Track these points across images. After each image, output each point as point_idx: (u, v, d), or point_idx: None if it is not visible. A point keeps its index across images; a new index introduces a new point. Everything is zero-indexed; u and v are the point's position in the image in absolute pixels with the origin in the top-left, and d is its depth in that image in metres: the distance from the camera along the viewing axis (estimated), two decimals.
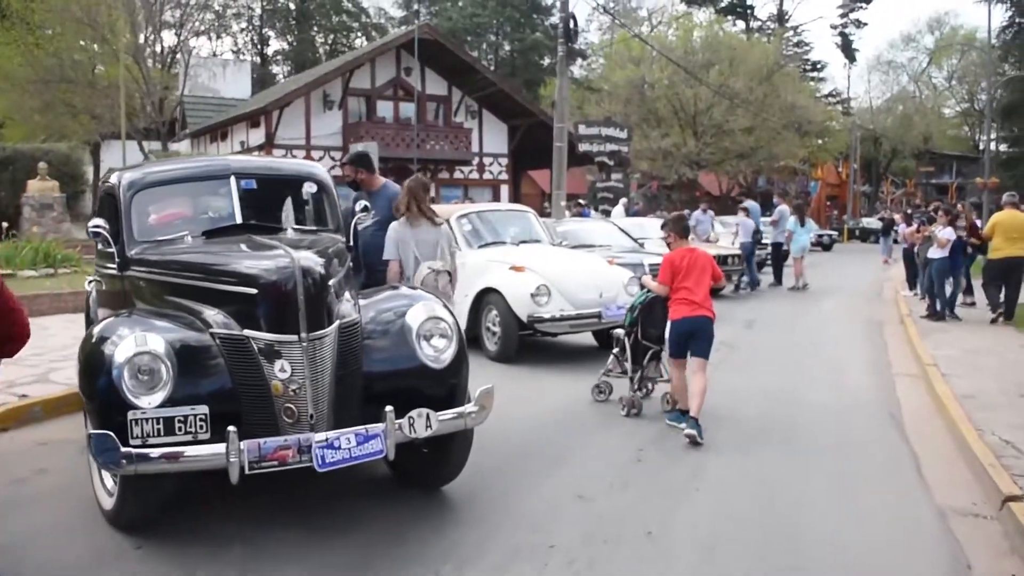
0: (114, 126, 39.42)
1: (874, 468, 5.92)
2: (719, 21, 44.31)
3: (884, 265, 25.32)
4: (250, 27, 63.27)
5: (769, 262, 19.92)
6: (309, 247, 4.47)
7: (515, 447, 6.15)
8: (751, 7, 59.33)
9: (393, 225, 6.55)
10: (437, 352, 4.43)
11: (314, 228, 5.76)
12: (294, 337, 4.04)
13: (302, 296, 4.02)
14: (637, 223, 18.47)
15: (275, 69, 64.68)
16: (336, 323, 4.24)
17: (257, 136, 30.93)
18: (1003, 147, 51.31)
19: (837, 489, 5.45)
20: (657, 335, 7.13)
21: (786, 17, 60.58)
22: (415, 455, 4.69)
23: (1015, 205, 12.99)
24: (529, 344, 9.79)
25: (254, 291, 4.09)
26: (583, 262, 9.88)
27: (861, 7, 63.49)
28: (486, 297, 9.19)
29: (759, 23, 59.12)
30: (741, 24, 57.16)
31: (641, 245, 14.35)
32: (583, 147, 28.70)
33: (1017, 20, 40.15)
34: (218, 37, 61.68)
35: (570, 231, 13.99)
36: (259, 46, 65.44)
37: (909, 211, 20.77)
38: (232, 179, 5.59)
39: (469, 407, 4.40)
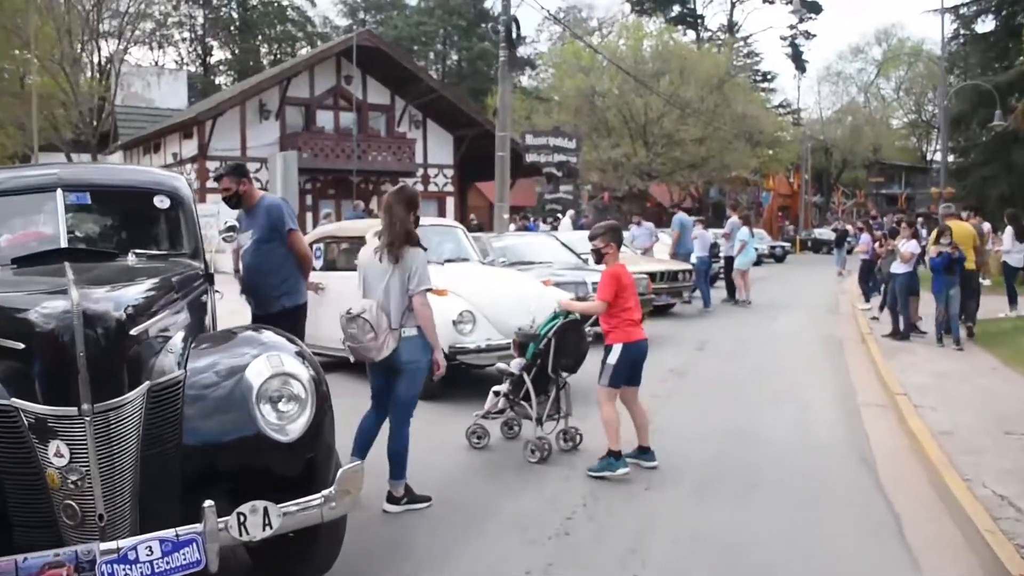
0: (43, 139, 37.90)
1: (849, 528, 4.97)
2: (669, 30, 43.70)
3: (838, 277, 24.65)
4: (193, 37, 61.64)
5: (722, 276, 19.05)
6: (114, 282, 3.38)
7: (423, 520, 5.09)
8: (701, 17, 59.13)
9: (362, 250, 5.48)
10: (284, 420, 3.33)
11: (163, 253, 4.64)
12: (73, 410, 2.94)
13: (83, 353, 2.92)
14: (585, 236, 17.54)
15: (219, 80, 62.97)
16: (145, 385, 3.15)
17: (190, 147, 29.56)
18: (952, 157, 51.38)
19: (808, 556, 4.49)
20: (570, 364, 6.16)
21: (736, 28, 60.47)
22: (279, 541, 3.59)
23: (955, 215, 13.02)
24: (455, 376, 8.74)
25: (21, 346, 3.00)
26: (515, 284, 8.87)
27: (810, 18, 63.60)
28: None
29: (709, 34, 58.90)
30: (692, 35, 56.85)
31: (585, 261, 13.35)
32: (530, 158, 27.87)
33: (962, 32, 40.13)
34: (160, 47, 60.22)
35: (509, 247, 12.96)
36: (202, 56, 63.75)
37: (870, 220, 19.99)
38: (59, 192, 4.48)
39: (327, 492, 3.31)
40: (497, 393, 6.33)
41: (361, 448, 5.29)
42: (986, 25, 34.90)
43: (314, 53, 32.47)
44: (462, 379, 9.02)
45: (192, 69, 60.58)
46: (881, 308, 13.62)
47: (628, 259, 16.20)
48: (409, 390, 5.16)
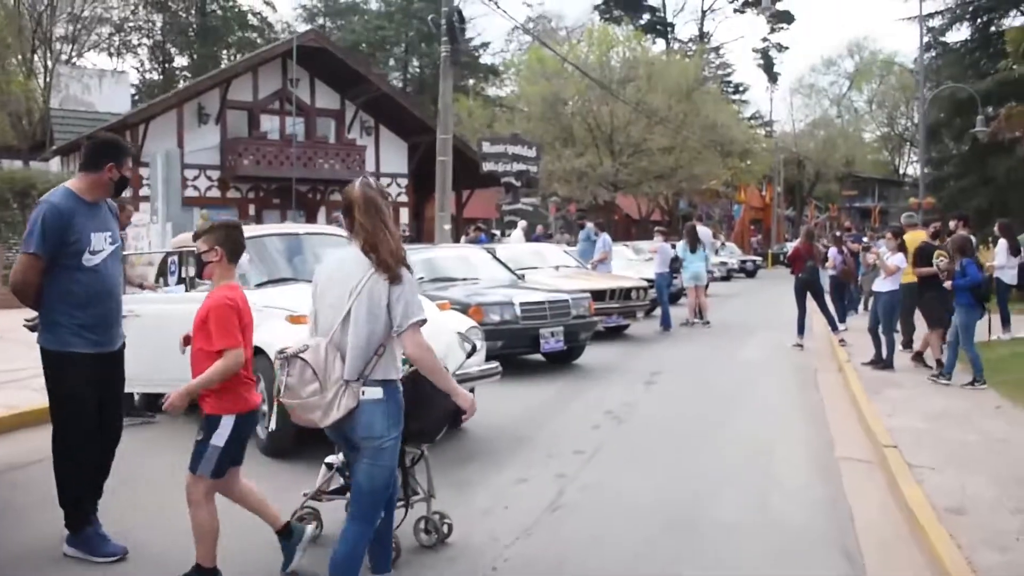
0: None
1: None
2: (638, 37, 42.18)
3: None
4: (152, 44, 59.58)
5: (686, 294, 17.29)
6: None
7: None
8: (671, 26, 57.85)
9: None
10: None
11: None
12: None
13: None
14: (535, 250, 15.85)
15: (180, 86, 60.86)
16: None
17: None
18: (926, 169, 50.28)
19: None
20: (423, 430, 4.26)
21: (707, 38, 59.23)
22: None
23: (915, 226, 12.24)
24: None
25: None
26: None
27: (782, 28, 62.55)
28: (255, 360, 6.28)
29: (680, 44, 57.57)
30: (661, 44, 55.51)
31: (521, 277, 11.63)
32: (487, 166, 26.24)
33: (937, 41, 39.05)
34: (119, 55, 58.18)
35: (430, 261, 11.18)
36: (162, 63, 61.65)
37: (838, 233, 18.34)
38: None
39: None
40: (330, 466, 4.50)
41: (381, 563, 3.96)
42: (960, 34, 33.84)
43: (256, 53, 30.50)
44: None
45: (155, 77, 58.56)
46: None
47: (576, 274, 14.56)
48: (372, 479, 3.56)
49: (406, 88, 50.76)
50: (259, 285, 6.90)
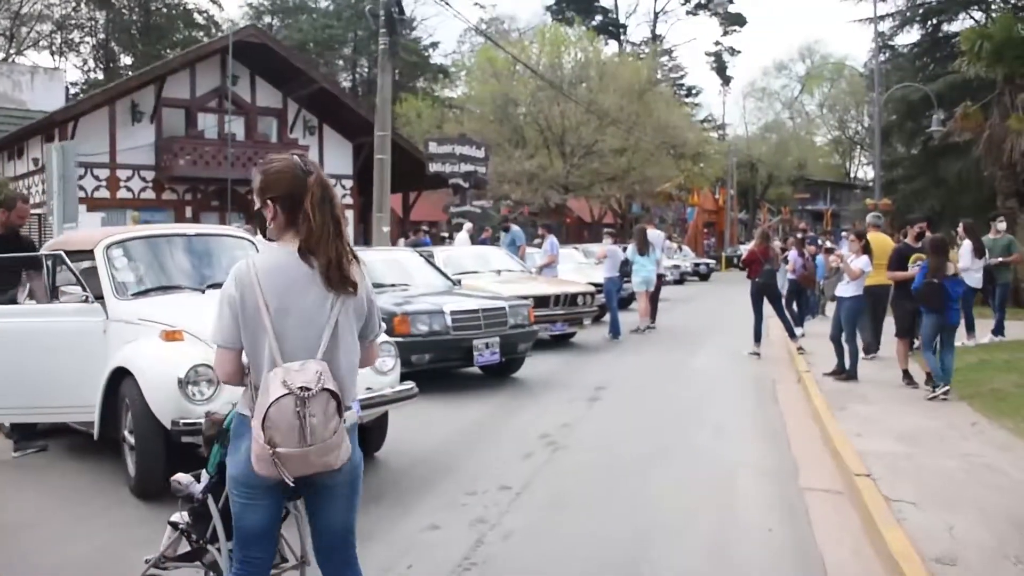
0: None
1: None
2: (590, 37, 41.43)
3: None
4: (96, 43, 57.72)
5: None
6: None
7: None
8: (623, 27, 57.33)
9: (240, 265, 2.89)
10: None
11: None
12: None
13: None
14: (479, 253, 14.97)
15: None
16: None
17: None
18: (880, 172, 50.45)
19: None
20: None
21: (660, 40, 58.77)
22: None
23: (879, 227, 11.71)
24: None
25: None
26: None
27: (735, 30, 62.39)
28: (122, 384, 5.30)
29: (633, 46, 57.03)
30: (614, 45, 54.93)
31: (456, 283, 10.72)
32: (434, 167, 25.37)
33: (886, 44, 38.97)
34: (61, 54, 56.37)
35: None
36: (106, 62, 59.78)
37: (800, 235, 17.62)
38: None
39: None
40: (176, 526, 3.55)
41: None
42: (910, 36, 33.74)
43: (193, 49, 29.19)
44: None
45: (99, 76, 56.76)
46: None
47: (519, 278, 13.69)
48: (353, 509, 3.04)
49: (355, 89, 49.63)
50: (137, 294, 5.90)
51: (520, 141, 36.49)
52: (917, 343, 9.30)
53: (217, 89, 27.83)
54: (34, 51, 52.65)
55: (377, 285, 9.70)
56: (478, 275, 13.13)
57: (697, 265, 35.79)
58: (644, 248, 14.64)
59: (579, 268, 18.68)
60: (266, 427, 2.60)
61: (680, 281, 30.29)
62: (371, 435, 6.16)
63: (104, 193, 25.98)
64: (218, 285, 6.36)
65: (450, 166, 25.52)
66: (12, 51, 50.62)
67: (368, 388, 5.63)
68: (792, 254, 13.82)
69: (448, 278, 10.64)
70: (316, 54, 47.00)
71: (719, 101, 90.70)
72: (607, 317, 14.43)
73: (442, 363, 8.94)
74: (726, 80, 65.28)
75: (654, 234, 16.48)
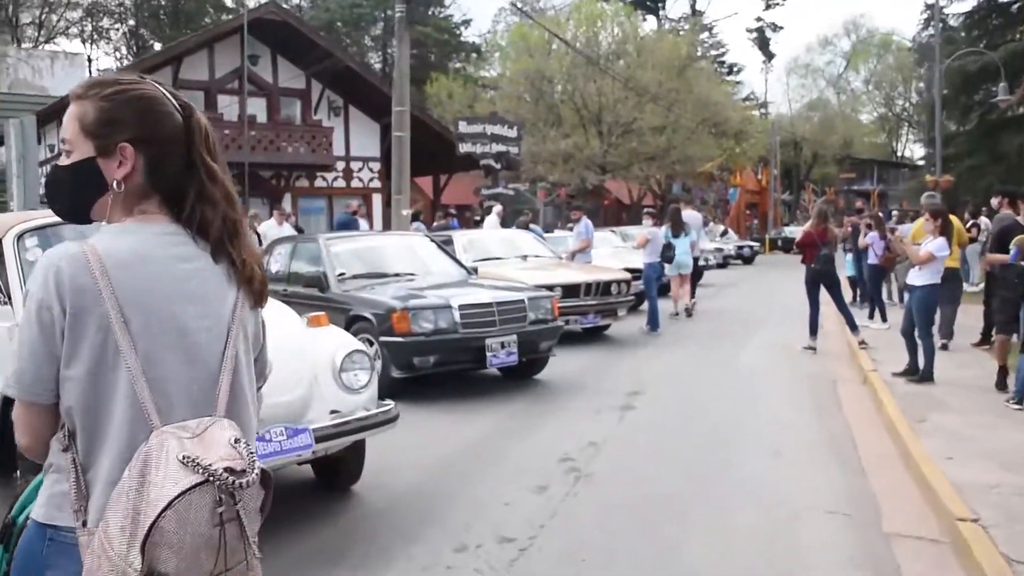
0: None
1: None
2: (627, 12, 39.85)
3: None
4: (127, 30, 57.33)
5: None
6: None
7: None
8: (662, 1, 55.54)
9: (62, 255, 1.62)
10: None
11: None
12: None
13: None
14: (505, 237, 13.80)
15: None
16: None
17: None
18: (930, 150, 48.51)
19: None
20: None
21: (699, 15, 56.90)
22: None
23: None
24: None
25: None
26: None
27: (777, 4, 60.38)
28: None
29: (671, 22, 55.24)
30: (652, 21, 53.28)
31: (472, 272, 9.52)
32: (464, 148, 24.39)
33: (938, 15, 37.12)
34: (93, 42, 56.14)
35: (359, 251, 9.10)
36: (136, 50, 59.38)
37: (881, 214, 15.75)
38: None
39: None
40: None
41: None
42: (963, 6, 32.08)
43: (210, 28, 28.19)
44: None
45: (85, 54, 56.51)
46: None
47: (547, 265, 12.47)
48: None
49: (385, 69, 48.46)
50: None
51: (555, 120, 35.15)
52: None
53: (237, 70, 26.80)
54: (64, 39, 52.20)
55: (380, 275, 8.59)
56: (502, 262, 12.00)
57: (740, 248, 34.32)
58: (679, 229, 13.44)
59: (616, 253, 17.43)
60: (149, 548, 1.41)
61: (723, 265, 28.84)
62: (343, 466, 5.01)
63: None
64: None
65: (481, 146, 24.52)
66: (42, 39, 50.25)
67: (333, 412, 4.47)
68: (872, 235, 12.38)
69: (463, 266, 9.43)
70: (344, 34, 45.97)
71: (761, 79, 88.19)
72: (646, 305, 13.14)
73: (450, 365, 7.75)
74: (769, 56, 63.26)
75: (691, 215, 15.29)
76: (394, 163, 15.74)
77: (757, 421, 6.92)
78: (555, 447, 6.03)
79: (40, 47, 44.83)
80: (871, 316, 12.23)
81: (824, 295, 10.59)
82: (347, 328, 7.76)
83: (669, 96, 34.15)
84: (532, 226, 15.72)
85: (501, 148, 24.67)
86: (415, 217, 22.61)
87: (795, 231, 43.66)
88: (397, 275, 8.58)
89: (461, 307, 7.56)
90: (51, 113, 25.82)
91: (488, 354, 7.60)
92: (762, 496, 5.00)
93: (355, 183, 29.42)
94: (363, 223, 17.24)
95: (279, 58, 27.62)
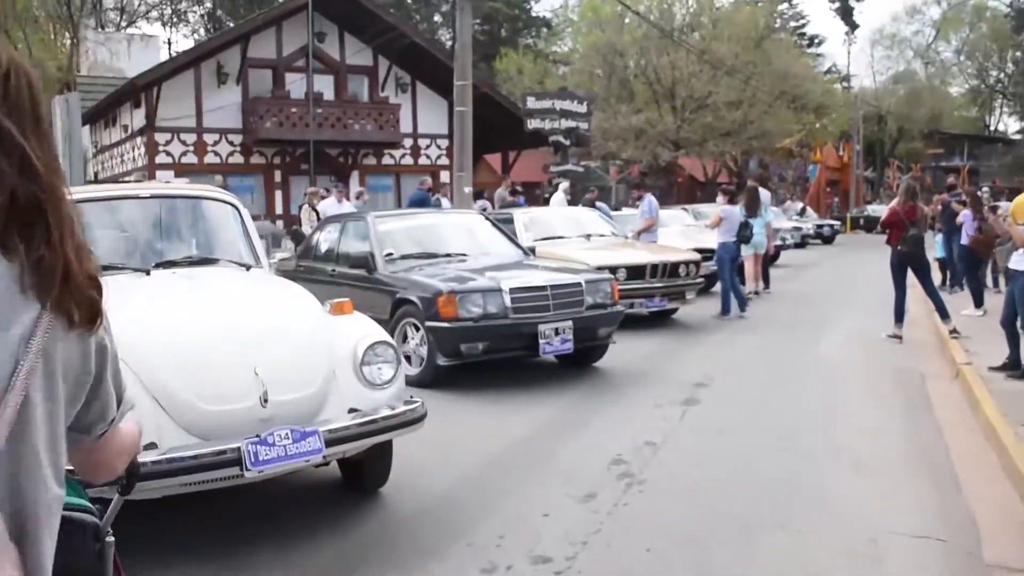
0: None
1: None
2: None
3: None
4: (204, 13, 58.07)
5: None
6: None
7: None
8: None
9: None
10: None
11: None
12: None
13: None
14: (569, 216, 13.23)
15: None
16: None
17: (140, 118, 25.55)
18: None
19: None
20: None
21: None
22: None
23: None
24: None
25: None
26: (230, 313, 4.24)
27: None
28: None
29: None
30: None
31: (528, 253, 8.98)
32: (533, 124, 23.84)
33: None
34: (173, 25, 57.08)
35: (409, 230, 8.64)
36: (213, 30, 60.17)
37: (979, 192, 14.47)
38: None
39: None
40: None
41: None
42: None
43: (277, 6, 27.95)
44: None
45: (160, 35, 57.37)
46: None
47: (611, 245, 11.85)
48: None
49: (455, 47, 47.99)
50: None
51: (627, 95, 34.26)
52: None
53: (304, 47, 26.61)
54: (145, 22, 52.96)
55: (429, 255, 8.09)
56: (564, 241, 11.46)
57: (820, 227, 33.04)
58: (755, 209, 12.73)
59: (686, 232, 16.70)
60: None
61: (801, 244, 27.73)
62: (366, 468, 4.54)
63: (191, 159, 25.25)
64: (173, 264, 4.86)
65: (550, 122, 23.94)
66: (124, 23, 51.08)
67: (352, 411, 3.98)
68: (965, 214, 11.45)
69: (519, 246, 8.88)
70: (414, 11, 45.58)
71: (844, 51, 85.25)
72: (718, 287, 12.42)
73: (500, 353, 7.22)
74: (852, 27, 60.87)
75: (761, 193, 14.56)
76: (456, 139, 15.28)
77: (835, 424, 6.21)
78: (608, 447, 5.46)
79: (121, 31, 45.52)
80: (979, 304, 11.18)
81: (911, 279, 9.78)
82: (393, 312, 7.32)
83: (746, 69, 32.98)
84: (598, 204, 15.07)
85: (570, 124, 24.07)
86: (479, 195, 22.16)
87: (878, 209, 42.06)
88: (448, 256, 8.08)
89: (512, 290, 7.01)
90: (123, 95, 26.03)
91: (541, 341, 7.05)
92: (840, 517, 4.35)
93: (423, 160, 29.07)
94: (445, 202, 16.88)
95: (346, 35, 27.36)
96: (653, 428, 5.95)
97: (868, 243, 30.01)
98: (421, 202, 16.14)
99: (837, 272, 19.37)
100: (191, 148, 25.25)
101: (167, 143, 25.00)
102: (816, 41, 58.44)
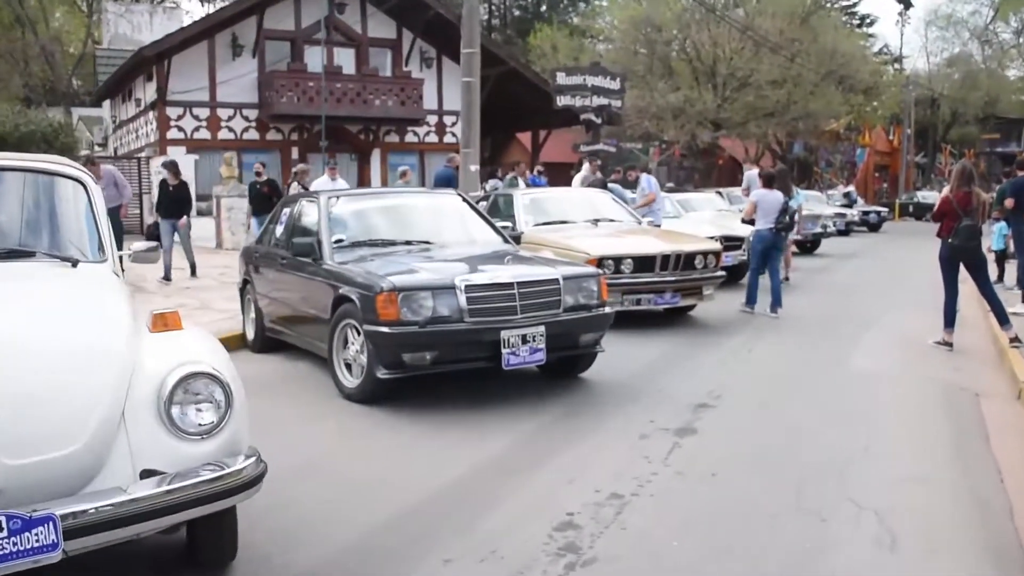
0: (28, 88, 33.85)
1: None
2: None
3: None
4: None
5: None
6: None
7: None
8: None
9: None
10: None
11: None
12: None
13: None
14: (580, 198, 11.96)
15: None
16: None
17: (153, 92, 24.63)
18: None
19: None
20: None
21: None
22: None
23: None
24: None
25: None
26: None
27: None
28: None
29: None
30: None
31: (514, 240, 7.72)
32: (563, 101, 22.66)
33: None
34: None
35: (366, 212, 7.41)
36: None
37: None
38: None
39: None
40: None
41: None
42: None
43: None
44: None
45: (180, 7, 56.65)
46: None
47: (620, 232, 10.51)
48: None
49: (490, 22, 46.54)
50: None
51: (665, 72, 32.66)
52: None
53: (324, 19, 25.43)
54: None
55: (387, 243, 6.85)
56: (568, 226, 10.24)
57: (866, 214, 31.32)
58: (787, 193, 11.36)
59: (717, 218, 15.35)
60: None
61: (845, 232, 26.08)
62: (199, 540, 3.33)
63: (204, 134, 24.31)
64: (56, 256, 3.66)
65: (580, 99, 22.73)
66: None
67: (146, 473, 2.76)
68: None
69: (500, 233, 7.59)
70: None
71: (896, 32, 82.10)
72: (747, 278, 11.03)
73: (453, 364, 5.90)
74: (906, 6, 58.23)
75: (750, 175, 13.47)
76: (463, 113, 14.04)
77: (865, 471, 4.82)
78: (561, 501, 4.17)
79: (142, 2, 44.84)
80: None
81: (964, 276, 8.35)
82: (333, 312, 6.10)
83: (791, 47, 31.21)
84: (611, 185, 13.73)
85: (602, 101, 22.78)
86: (492, 174, 20.89)
87: (928, 196, 40.07)
88: (408, 244, 6.82)
89: (469, 288, 5.70)
90: (136, 66, 25.09)
91: (504, 351, 5.74)
92: None
93: (448, 138, 27.83)
94: (521, 183, 16.00)
95: (368, 7, 26.18)
96: (627, 472, 4.63)
97: (917, 231, 28.22)
98: (448, 180, 15.04)
99: (881, 263, 17.83)
100: (204, 123, 24.30)
101: (179, 118, 24.06)
102: (868, 20, 56.07)
